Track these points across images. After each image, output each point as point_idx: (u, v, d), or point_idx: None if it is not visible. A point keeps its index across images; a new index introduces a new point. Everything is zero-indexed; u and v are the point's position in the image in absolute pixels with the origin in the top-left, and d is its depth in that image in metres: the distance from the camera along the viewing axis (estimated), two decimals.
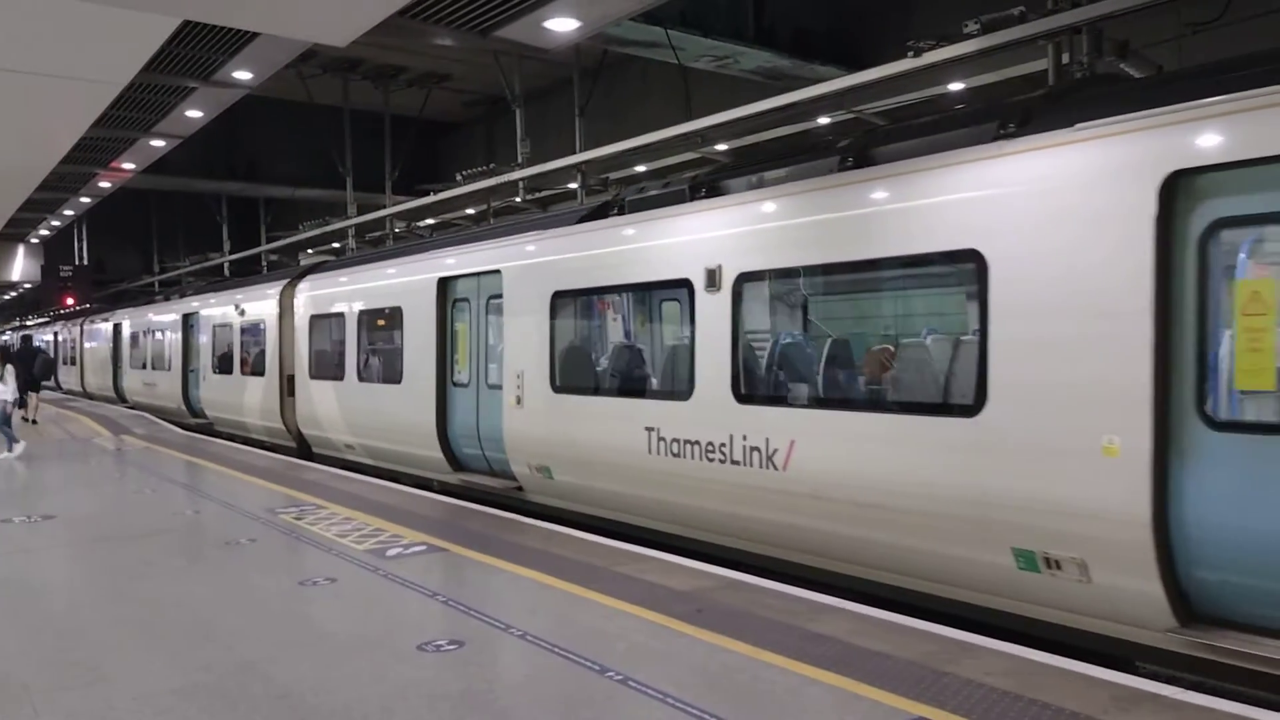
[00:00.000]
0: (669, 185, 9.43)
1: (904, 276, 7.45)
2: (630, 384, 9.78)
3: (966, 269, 6.40)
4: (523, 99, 16.01)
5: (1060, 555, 5.76)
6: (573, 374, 10.08)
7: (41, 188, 20.89)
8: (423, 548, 8.21)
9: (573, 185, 14.35)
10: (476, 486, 11.41)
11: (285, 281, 17.51)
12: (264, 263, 27.34)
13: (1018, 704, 4.53)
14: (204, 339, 21.18)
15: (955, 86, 13.12)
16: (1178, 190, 5.31)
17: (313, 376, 15.78)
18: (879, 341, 7.92)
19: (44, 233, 33.25)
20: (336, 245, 25.22)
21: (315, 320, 15.92)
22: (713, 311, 8.11)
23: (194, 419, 22.08)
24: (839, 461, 7.05)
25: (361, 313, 14.33)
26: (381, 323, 13.89)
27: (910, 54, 8.15)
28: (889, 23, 13.92)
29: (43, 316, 47.36)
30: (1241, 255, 5.22)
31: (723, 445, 7.92)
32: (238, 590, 7.01)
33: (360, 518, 9.65)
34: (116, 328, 30.02)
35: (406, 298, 13.01)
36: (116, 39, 9.39)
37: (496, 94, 19.83)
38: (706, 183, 8.83)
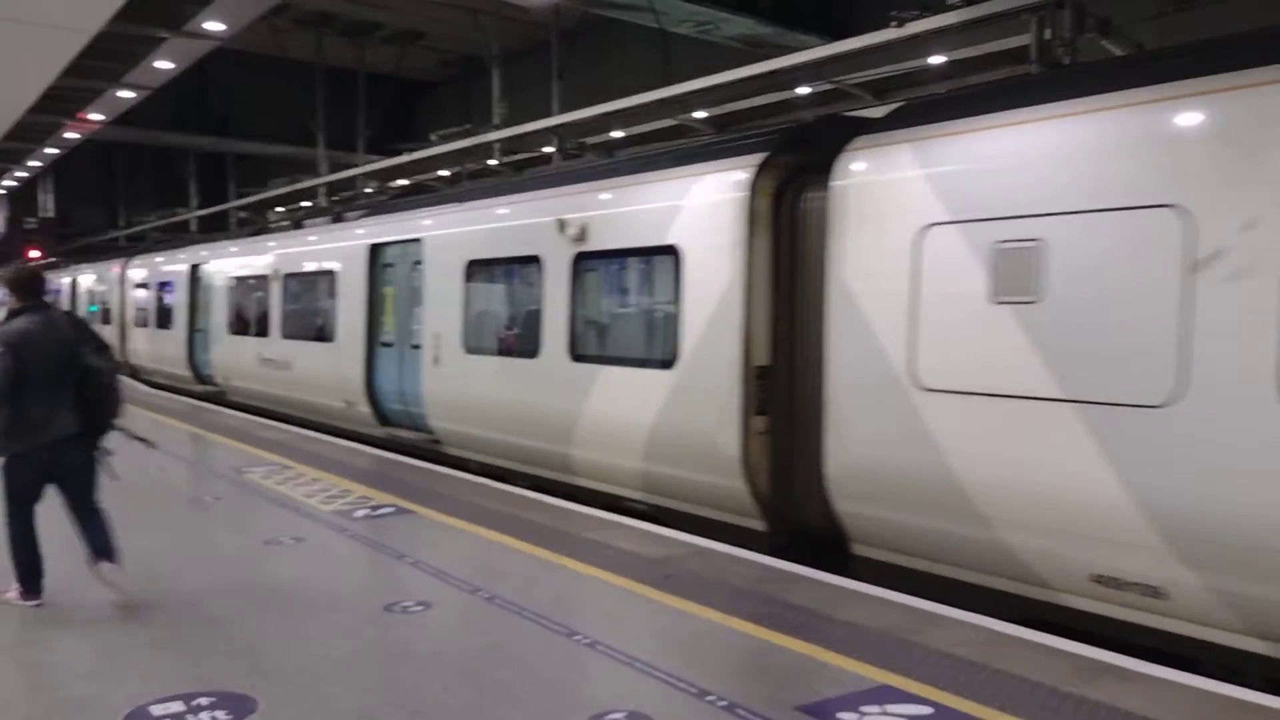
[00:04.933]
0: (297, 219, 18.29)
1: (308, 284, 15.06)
2: (255, 328, 16.39)
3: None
4: (501, 59, 15.82)
5: (351, 399, 13.02)
6: (235, 324, 17.30)
7: (7, 137, 20.52)
8: (391, 509, 8.17)
9: (549, 149, 14.18)
10: (209, 391, 18.41)
11: (124, 260, 24.69)
12: (232, 220, 27.01)
13: (982, 674, 4.57)
14: (81, 297, 29.02)
15: (936, 59, 13.05)
16: (376, 252, 12.83)
17: (135, 325, 23.34)
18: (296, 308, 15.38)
19: (9, 184, 32.62)
20: (308, 204, 24.91)
21: (135, 287, 23.28)
22: (278, 290, 15.52)
23: None
24: (302, 362, 14.61)
25: (156, 283, 21.76)
26: (165, 291, 21.21)
27: (893, 24, 8.08)
28: None
29: None
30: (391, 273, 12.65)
31: (277, 361, 15.36)
32: (203, 548, 6.95)
33: (328, 478, 9.59)
34: None
35: (175, 275, 20.45)
36: None
37: (474, 54, 19.60)
38: (338, 214, 15.74)
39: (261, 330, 16.06)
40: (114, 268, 25.19)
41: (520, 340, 10.10)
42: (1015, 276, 5.66)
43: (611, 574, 6.23)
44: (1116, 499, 5.17)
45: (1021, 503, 5.64)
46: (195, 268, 19.34)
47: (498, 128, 14.68)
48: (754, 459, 7.36)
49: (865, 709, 4.22)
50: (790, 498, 7.36)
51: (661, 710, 4.18)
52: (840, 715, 4.15)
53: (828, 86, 11.92)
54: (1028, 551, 5.65)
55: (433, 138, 15.88)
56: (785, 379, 7.34)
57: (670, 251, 8.01)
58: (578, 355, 8.99)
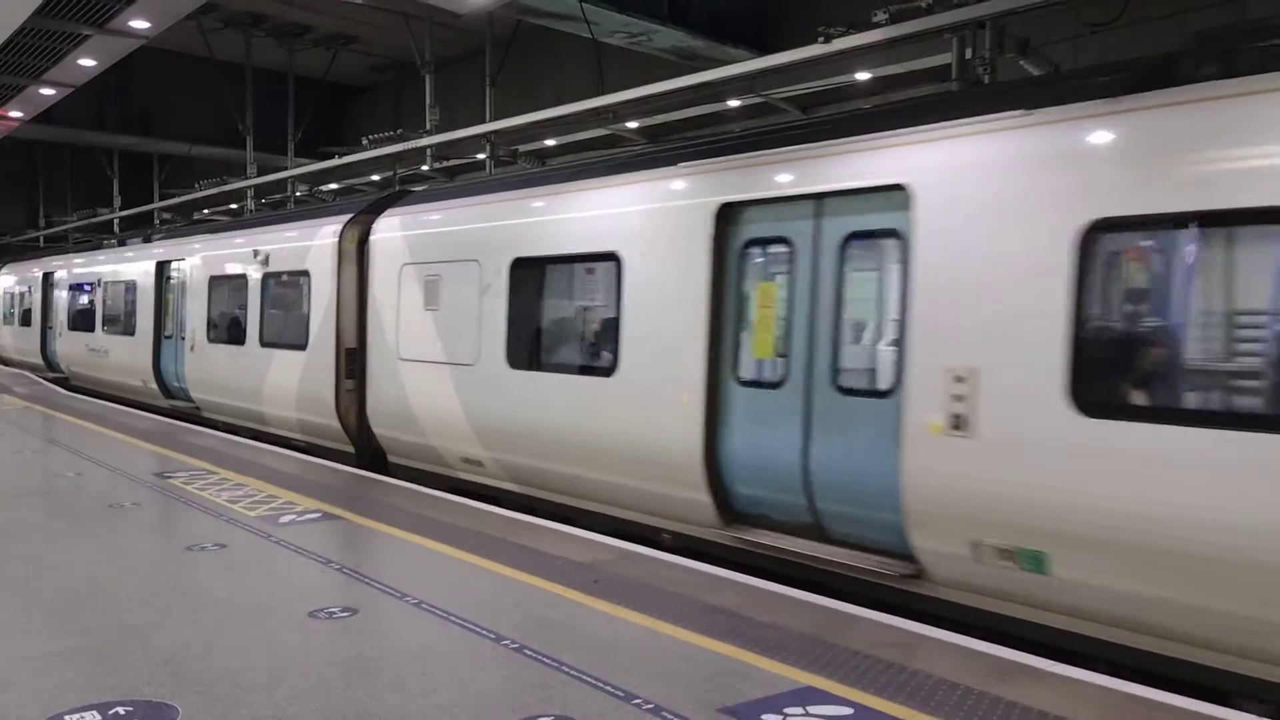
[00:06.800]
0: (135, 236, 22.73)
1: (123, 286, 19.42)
2: (85, 325, 20.98)
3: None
4: (433, 65, 15.74)
5: (145, 380, 17.65)
6: (72, 322, 22.13)
7: None
8: (317, 515, 8.09)
9: (481, 156, 14.14)
10: (54, 376, 23.16)
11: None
12: (156, 220, 26.40)
13: (902, 674, 4.68)
14: None
15: (862, 76, 13.33)
16: (162, 267, 17.73)
17: (3, 324, 29.11)
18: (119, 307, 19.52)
19: None
20: (234, 206, 24.50)
21: (4, 292, 28.98)
22: (100, 294, 19.92)
23: None
24: (115, 351, 18.91)
25: (18, 288, 27.33)
26: (27, 293, 26.60)
27: (821, 40, 8.24)
28: (802, 8, 14.05)
29: None
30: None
31: (99, 350, 19.81)
32: (121, 555, 6.81)
33: (253, 484, 9.46)
34: None
35: (33, 281, 25.80)
36: None
37: (406, 59, 19.45)
38: (147, 235, 19.83)
39: (89, 327, 20.79)
40: None
41: (237, 333, 14.32)
42: (431, 295, 10.38)
43: (539, 578, 6.26)
44: (460, 414, 9.79)
45: (436, 421, 10.21)
46: (47, 275, 24.70)
47: (429, 133, 14.60)
48: (344, 406, 11.82)
49: (788, 710, 4.30)
50: (366, 431, 11.56)
51: (589, 714, 4.22)
52: (764, 716, 4.22)
53: (757, 100, 12.10)
54: (441, 449, 10.27)
55: (364, 141, 15.72)
56: (363, 355, 11.60)
57: (306, 274, 12.47)
58: (264, 343, 13.53)
